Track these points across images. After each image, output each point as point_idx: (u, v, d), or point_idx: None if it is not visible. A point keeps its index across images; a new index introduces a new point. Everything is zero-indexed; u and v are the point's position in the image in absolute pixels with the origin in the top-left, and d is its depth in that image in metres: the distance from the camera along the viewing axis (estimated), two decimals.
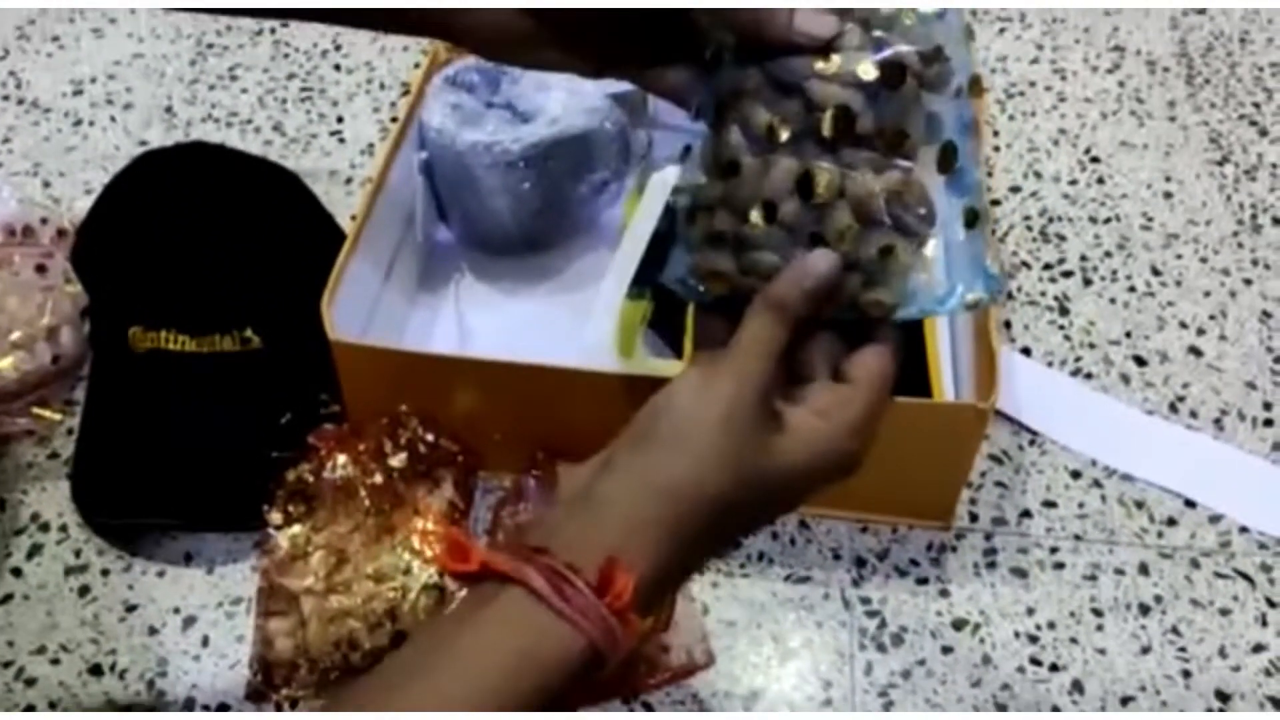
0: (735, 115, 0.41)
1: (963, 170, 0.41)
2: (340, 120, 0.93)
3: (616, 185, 0.82)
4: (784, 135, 0.40)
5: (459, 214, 0.81)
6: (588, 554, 0.36)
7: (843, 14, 0.39)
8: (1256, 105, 0.94)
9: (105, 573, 0.67)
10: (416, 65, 0.97)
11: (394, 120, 0.92)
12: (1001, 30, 1.01)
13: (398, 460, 0.66)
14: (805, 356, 0.42)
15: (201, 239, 0.71)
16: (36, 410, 0.72)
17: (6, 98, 0.95)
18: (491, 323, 0.78)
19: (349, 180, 0.88)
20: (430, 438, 0.67)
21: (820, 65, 0.39)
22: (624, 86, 0.82)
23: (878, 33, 0.39)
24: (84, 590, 0.67)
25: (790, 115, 0.40)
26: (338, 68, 0.98)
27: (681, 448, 0.38)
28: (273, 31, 1.01)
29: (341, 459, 0.66)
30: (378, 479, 0.66)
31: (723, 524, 0.39)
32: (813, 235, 0.40)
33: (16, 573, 0.67)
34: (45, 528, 0.69)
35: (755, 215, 0.40)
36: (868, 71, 0.39)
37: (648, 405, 0.41)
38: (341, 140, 0.92)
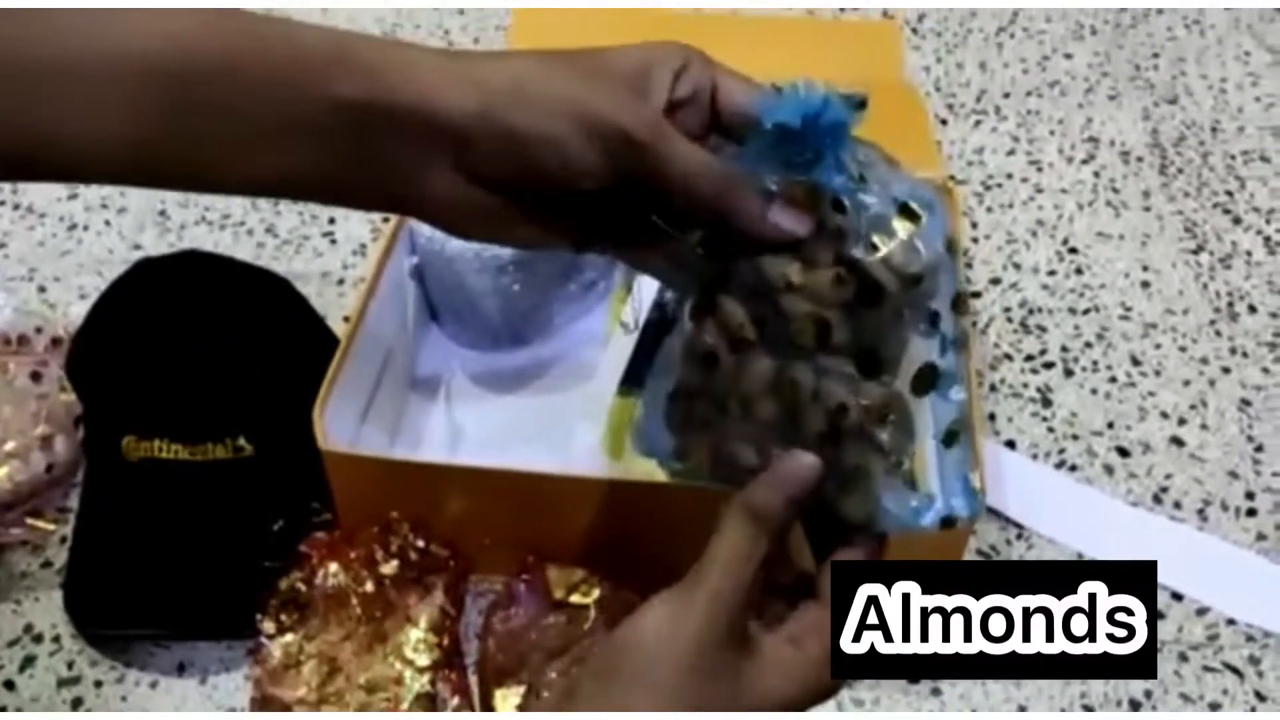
0: (713, 308, 0.41)
1: (946, 383, 0.40)
2: (332, 222, 0.95)
3: (604, 284, 0.84)
4: (751, 336, 0.40)
5: (450, 315, 0.82)
6: None
7: (819, 227, 0.39)
8: (1229, 194, 0.97)
9: (98, 684, 0.67)
10: None
11: (385, 220, 0.94)
12: (977, 123, 1.03)
13: (389, 567, 0.66)
14: (780, 564, 0.41)
15: (195, 347, 0.72)
16: (30, 520, 0.73)
17: (3, 203, 0.97)
18: (482, 422, 0.78)
19: (341, 281, 0.90)
20: (421, 544, 0.67)
21: (794, 276, 0.39)
22: None
23: (856, 252, 0.39)
24: (77, 703, 0.66)
25: (766, 315, 0.40)
26: None
27: (647, 687, 0.37)
28: None
29: (333, 567, 0.67)
30: (369, 587, 0.66)
31: None
32: (789, 436, 0.40)
33: (9, 685, 0.67)
34: (39, 639, 0.69)
35: (733, 410, 0.40)
36: (839, 293, 0.38)
37: (615, 637, 0.39)
38: (333, 242, 0.93)
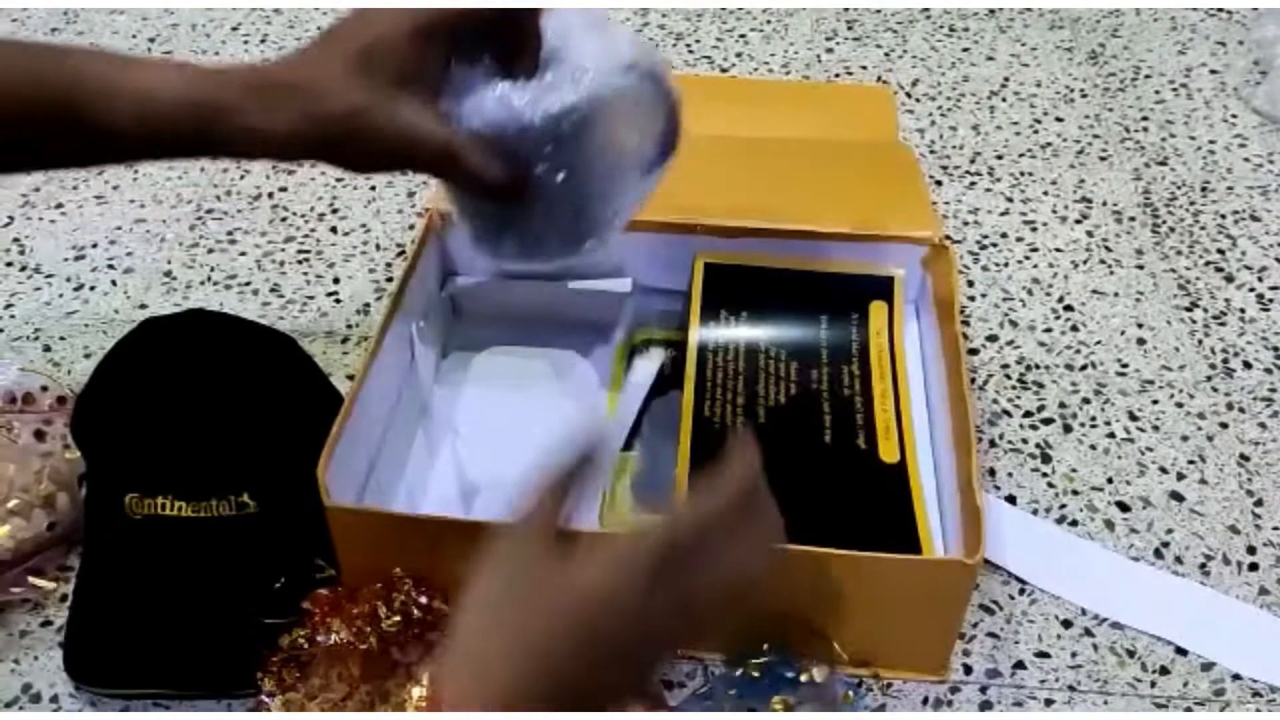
0: None
1: None
2: (337, 281, 0.96)
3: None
4: None
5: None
6: None
7: None
8: (1221, 252, 0.98)
9: None
10: (411, 227, 1.00)
11: (389, 280, 0.95)
12: (971, 184, 1.05)
13: (392, 624, 0.66)
14: None
15: (200, 405, 0.72)
16: (31, 579, 0.72)
17: (9, 264, 0.98)
18: (485, 477, 0.78)
19: (345, 339, 0.90)
20: (424, 600, 0.67)
21: None
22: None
23: None
24: None
25: None
26: (334, 230, 1.01)
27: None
28: (270, 196, 1.04)
29: (335, 624, 0.66)
30: (372, 644, 0.66)
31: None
32: None
33: None
34: (37, 699, 0.69)
35: None
36: None
37: None
38: (338, 300, 0.94)
